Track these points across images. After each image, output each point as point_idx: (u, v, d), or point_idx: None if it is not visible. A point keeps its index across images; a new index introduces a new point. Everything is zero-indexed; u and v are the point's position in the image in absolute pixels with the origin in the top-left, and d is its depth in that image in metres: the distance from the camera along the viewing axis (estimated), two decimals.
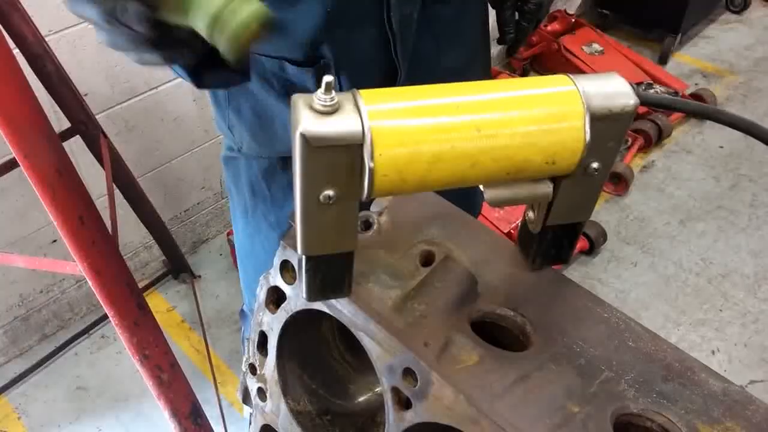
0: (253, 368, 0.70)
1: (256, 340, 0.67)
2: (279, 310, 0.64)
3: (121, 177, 2.02)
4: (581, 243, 2.58)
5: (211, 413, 1.82)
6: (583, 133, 0.48)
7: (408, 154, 0.46)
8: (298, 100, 0.46)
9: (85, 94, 2.01)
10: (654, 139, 3.09)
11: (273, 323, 0.65)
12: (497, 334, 0.59)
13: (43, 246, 2.20)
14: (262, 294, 0.65)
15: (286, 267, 0.62)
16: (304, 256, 0.53)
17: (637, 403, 0.52)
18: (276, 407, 0.68)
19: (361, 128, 0.45)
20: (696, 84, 3.53)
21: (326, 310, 0.60)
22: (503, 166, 0.48)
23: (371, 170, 0.46)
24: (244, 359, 0.70)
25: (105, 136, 1.87)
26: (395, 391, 0.56)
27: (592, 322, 0.58)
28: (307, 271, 0.54)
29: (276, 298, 0.65)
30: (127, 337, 1.58)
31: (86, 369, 2.30)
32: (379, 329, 0.55)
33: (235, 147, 1.15)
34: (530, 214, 0.59)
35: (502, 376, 0.53)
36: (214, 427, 1.80)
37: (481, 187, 0.55)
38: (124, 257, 2.50)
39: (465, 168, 0.48)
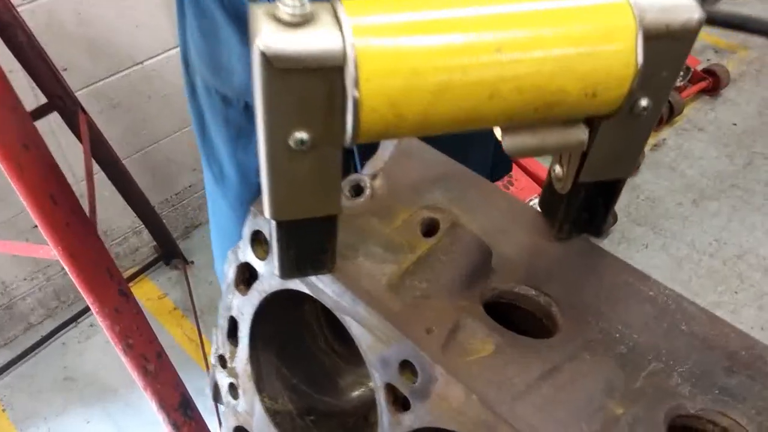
0: (222, 360, 0.59)
1: (226, 327, 0.57)
2: (251, 290, 0.53)
3: (104, 157, 1.91)
4: None
5: (205, 404, 1.72)
6: (634, 55, 0.37)
7: (405, 82, 0.35)
8: (257, 9, 0.34)
9: (64, 69, 1.90)
10: (665, 117, 2.96)
11: (244, 307, 0.54)
12: (516, 318, 0.48)
13: (25, 231, 2.09)
14: (230, 272, 0.54)
15: (257, 239, 0.51)
16: (274, 222, 0.42)
17: (694, 401, 0.41)
18: (250, 406, 0.58)
19: (341, 45, 0.33)
20: (708, 60, 3.39)
21: (306, 290, 0.49)
22: (529, 100, 0.37)
23: (356, 102, 0.35)
24: (213, 350, 0.60)
25: (84, 112, 1.75)
26: (390, 389, 0.45)
27: (635, 301, 0.47)
28: (279, 240, 0.43)
29: (247, 276, 0.54)
30: (108, 325, 1.48)
31: (74, 359, 2.21)
32: (370, 313, 0.45)
33: (192, 77, 0.98)
34: (558, 169, 0.48)
35: (525, 369, 0.42)
36: (207, 419, 1.70)
37: (497, 133, 0.43)
38: (112, 242, 2.43)
39: (480, 101, 0.36)
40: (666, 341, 0.45)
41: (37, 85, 1.70)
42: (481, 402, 0.40)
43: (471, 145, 0.97)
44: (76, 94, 1.86)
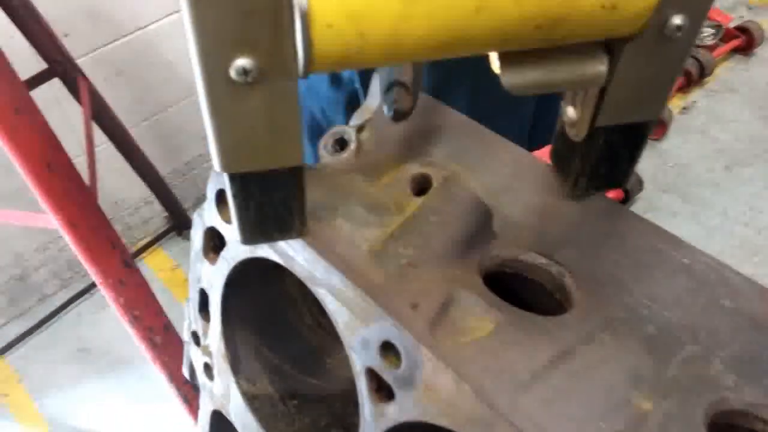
0: (196, 337, 0.52)
1: (197, 300, 0.50)
2: (219, 259, 0.46)
3: (108, 124, 1.86)
4: (614, 192, 2.36)
5: None
6: None
7: None
8: None
9: (66, 35, 1.83)
10: (695, 78, 2.81)
11: (214, 277, 0.47)
12: (522, 292, 0.40)
13: (34, 202, 2.06)
14: (197, 238, 0.47)
15: (223, 200, 0.44)
16: (225, 175, 0.35)
17: (740, 393, 0.34)
18: (225, 389, 0.51)
19: None
20: (741, 17, 3.21)
21: (277, 259, 0.42)
22: (529, 12, 0.29)
23: (305, 15, 0.27)
24: (185, 325, 0.53)
25: (84, 77, 1.69)
26: (372, 374, 0.38)
27: (666, 271, 0.39)
28: (234, 198, 0.36)
29: (217, 243, 0.47)
30: (113, 297, 1.44)
31: (88, 330, 2.19)
32: (346, 284, 0.37)
33: None
34: (570, 111, 0.40)
35: (530, 353, 0.34)
36: None
37: (494, 66, 0.35)
38: (123, 213, 2.39)
39: (465, 14, 0.28)
40: (705, 319, 0.37)
41: (36, 49, 1.64)
42: (476, 393, 0.32)
43: (499, 110, 0.86)
44: (80, 61, 1.80)
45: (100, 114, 1.81)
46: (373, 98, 0.52)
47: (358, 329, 0.37)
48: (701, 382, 0.34)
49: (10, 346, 2.13)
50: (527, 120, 0.92)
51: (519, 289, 0.40)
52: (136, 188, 2.27)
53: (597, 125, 0.37)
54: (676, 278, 0.39)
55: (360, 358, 0.37)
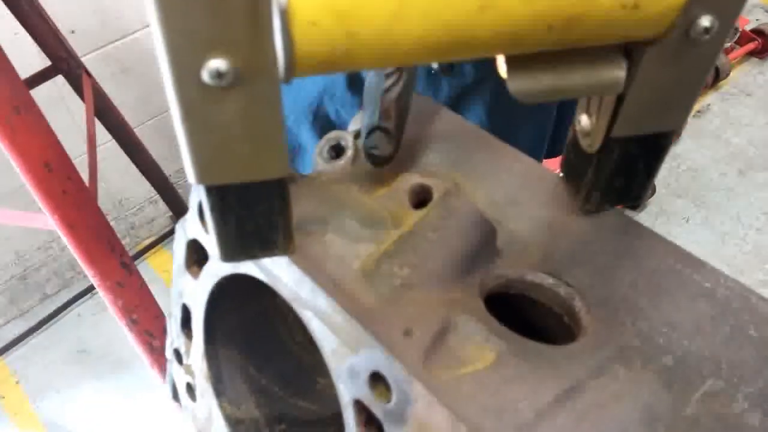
0: (178, 355, 0.49)
1: (179, 316, 0.47)
2: (202, 273, 0.43)
3: (112, 123, 1.83)
4: None
5: None
6: None
7: None
8: None
9: (72, 31, 1.82)
10: (710, 81, 2.76)
11: (196, 293, 0.44)
12: (528, 316, 0.37)
13: (33, 201, 2.04)
14: (179, 250, 0.44)
15: None
16: (202, 187, 0.32)
17: None
18: (208, 411, 0.48)
19: None
20: (757, 20, 3.16)
21: (261, 277, 0.39)
22: (541, 14, 0.26)
23: (285, 12, 0.24)
24: (167, 342, 0.50)
25: (89, 74, 1.67)
26: (359, 406, 0.34)
27: (686, 295, 0.36)
28: (212, 212, 0.33)
29: (200, 256, 0.44)
30: (111, 299, 1.42)
31: (88, 331, 2.17)
32: (333, 308, 0.34)
33: None
34: (584, 120, 0.36)
35: (535, 388, 0.31)
36: None
37: (501, 70, 0.32)
38: (128, 212, 2.37)
39: (468, 14, 0.25)
40: (728, 350, 0.33)
41: (40, 46, 1.62)
42: None
43: (520, 121, 0.81)
44: (85, 58, 1.78)
45: (104, 112, 1.79)
46: None
47: (345, 357, 0.34)
48: (723, 421, 0.31)
49: (9, 346, 2.11)
50: (547, 130, 0.88)
51: (524, 311, 0.37)
52: (141, 187, 2.25)
53: (613, 135, 0.34)
54: (696, 303, 0.35)
55: (348, 388, 0.34)
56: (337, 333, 0.34)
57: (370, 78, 0.44)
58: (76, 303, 2.22)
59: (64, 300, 2.20)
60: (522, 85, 0.31)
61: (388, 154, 0.42)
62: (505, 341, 0.33)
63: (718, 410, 0.32)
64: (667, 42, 0.29)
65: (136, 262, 2.27)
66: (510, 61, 0.31)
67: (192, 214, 0.42)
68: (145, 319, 1.46)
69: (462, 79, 0.77)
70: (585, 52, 0.30)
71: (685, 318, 0.35)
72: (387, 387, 0.32)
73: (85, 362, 2.08)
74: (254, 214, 0.33)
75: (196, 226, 0.42)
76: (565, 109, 0.88)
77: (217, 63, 0.26)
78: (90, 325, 2.18)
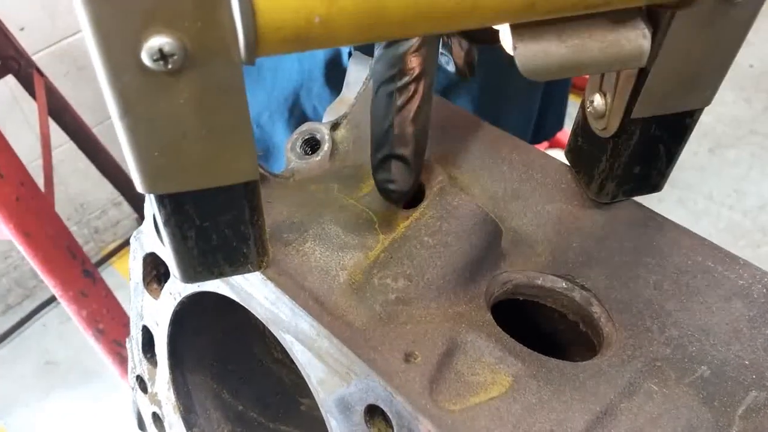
0: (142, 383, 0.44)
1: (140, 340, 0.41)
2: (163, 292, 0.38)
3: (69, 123, 1.74)
4: None
5: None
6: None
7: None
8: None
9: (21, 29, 1.72)
10: None
11: (158, 314, 0.39)
12: (542, 325, 0.33)
13: None
14: (135, 266, 0.38)
15: None
16: (153, 197, 0.26)
17: None
18: None
19: None
20: None
21: (231, 295, 0.33)
22: None
23: None
24: (129, 368, 0.44)
25: (41, 73, 1.58)
26: None
27: (719, 295, 0.31)
28: (166, 225, 0.27)
29: (160, 271, 0.38)
30: (74, 310, 1.35)
31: (55, 341, 2.08)
32: (318, 330, 0.29)
33: None
34: (597, 100, 0.32)
35: (562, 416, 0.27)
36: None
37: (506, 43, 0.27)
38: (90, 216, 2.27)
39: None
40: None
41: None
42: None
43: (507, 107, 0.75)
44: (38, 56, 1.69)
45: (60, 112, 1.70)
46: (351, 89, 0.43)
47: (336, 389, 0.29)
48: None
49: None
50: (533, 114, 0.83)
51: (537, 322, 0.33)
52: (103, 190, 2.16)
53: (633, 117, 0.30)
54: (731, 304, 0.31)
55: (339, 423, 0.29)
56: (324, 360, 0.29)
57: (377, 93, 0.35)
58: (41, 313, 2.12)
59: (28, 310, 2.11)
60: (531, 61, 0.26)
61: (407, 187, 0.34)
62: (521, 361, 0.28)
63: (765, 426, 0.27)
64: (699, 5, 0.25)
65: (101, 268, 2.19)
66: (516, 33, 0.26)
67: (148, 226, 0.36)
68: (112, 328, 1.39)
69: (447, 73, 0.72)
70: (603, 20, 0.26)
71: (720, 321, 0.31)
72: (387, 422, 0.27)
73: (53, 374, 1.99)
74: (219, 225, 0.28)
75: (154, 238, 0.36)
76: (551, 93, 0.83)
77: (160, 41, 0.20)
78: (56, 335, 2.09)
